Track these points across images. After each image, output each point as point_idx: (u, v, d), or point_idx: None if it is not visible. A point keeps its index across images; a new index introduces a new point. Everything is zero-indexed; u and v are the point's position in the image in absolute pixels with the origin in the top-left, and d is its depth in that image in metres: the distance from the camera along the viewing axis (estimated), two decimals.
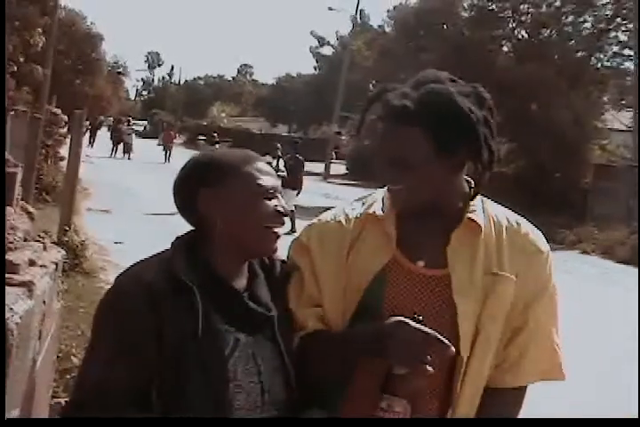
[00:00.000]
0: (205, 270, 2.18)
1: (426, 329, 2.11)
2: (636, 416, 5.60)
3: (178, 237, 2.27)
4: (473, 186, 2.38)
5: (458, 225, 2.30)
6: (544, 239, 2.40)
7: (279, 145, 19.69)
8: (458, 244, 2.29)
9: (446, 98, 2.21)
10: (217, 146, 22.68)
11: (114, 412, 2.03)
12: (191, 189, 2.25)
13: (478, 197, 2.38)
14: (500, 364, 2.30)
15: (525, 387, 2.36)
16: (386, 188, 2.40)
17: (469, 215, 2.31)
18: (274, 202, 2.24)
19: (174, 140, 46.74)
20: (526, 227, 2.39)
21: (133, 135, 44.47)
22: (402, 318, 2.14)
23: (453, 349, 2.11)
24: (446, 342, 2.09)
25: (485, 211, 2.36)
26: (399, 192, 2.28)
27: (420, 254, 2.31)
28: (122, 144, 43.32)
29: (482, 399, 2.30)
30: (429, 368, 2.09)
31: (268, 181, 2.25)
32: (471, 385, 2.26)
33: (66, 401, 2.24)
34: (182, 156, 48.71)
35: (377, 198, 2.44)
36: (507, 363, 2.30)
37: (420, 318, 2.14)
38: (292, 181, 17.89)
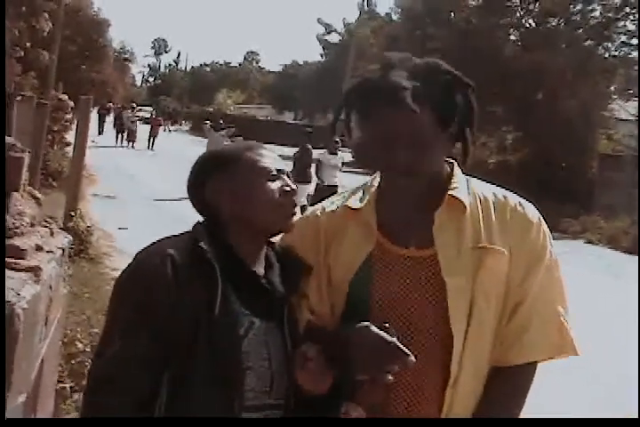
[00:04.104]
0: (227, 252, 2.21)
1: (387, 337, 2.11)
2: (636, 416, 5.60)
3: (198, 222, 2.31)
4: (453, 166, 2.40)
5: (440, 204, 2.30)
6: (534, 210, 2.37)
7: (338, 139, 16.96)
8: (442, 222, 2.28)
9: (439, 69, 2.25)
10: (222, 131, 22.61)
11: (132, 383, 2.06)
12: (199, 183, 2.31)
13: (463, 177, 2.40)
14: (502, 342, 2.28)
15: (533, 365, 2.32)
16: (376, 175, 2.42)
17: (451, 193, 2.30)
18: (278, 183, 2.27)
19: (160, 127, 44.60)
20: (514, 200, 2.37)
21: (137, 123, 43.09)
22: (366, 324, 2.16)
23: (413, 358, 2.09)
24: (407, 351, 2.09)
25: (471, 189, 2.36)
26: (407, 173, 2.23)
27: (406, 237, 2.31)
28: (126, 132, 41.90)
29: (487, 380, 2.28)
30: (389, 377, 2.10)
31: (271, 163, 2.30)
32: (469, 366, 2.23)
33: (75, 387, 2.25)
34: (187, 142, 48.56)
35: (357, 191, 2.47)
36: (509, 339, 2.27)
37: (387, 325, 2.15)
38: (302, 174, 16.48)
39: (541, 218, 2.37)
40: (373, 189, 2.42)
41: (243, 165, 2.28)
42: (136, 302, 2.12)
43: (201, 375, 2.09)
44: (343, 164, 17.31)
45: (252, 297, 2.21)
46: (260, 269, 2.29)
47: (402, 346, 2.09)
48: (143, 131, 42.09)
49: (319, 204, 2.53)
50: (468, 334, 2.24)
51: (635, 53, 32.31)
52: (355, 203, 2.40)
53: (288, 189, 2.28)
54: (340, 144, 17.09)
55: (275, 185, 2.26)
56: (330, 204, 2.48)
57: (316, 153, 17.85)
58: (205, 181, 2.30)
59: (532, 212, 2.36)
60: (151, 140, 41.81)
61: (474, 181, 2.42)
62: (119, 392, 2.07)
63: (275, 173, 2.28)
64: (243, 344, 2.15)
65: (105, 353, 2.12)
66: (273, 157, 2.34)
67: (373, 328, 2.14)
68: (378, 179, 2.43)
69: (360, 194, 2.44)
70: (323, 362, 2.19)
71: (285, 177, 2.30)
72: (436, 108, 2.18)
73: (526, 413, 2.33)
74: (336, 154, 17.16)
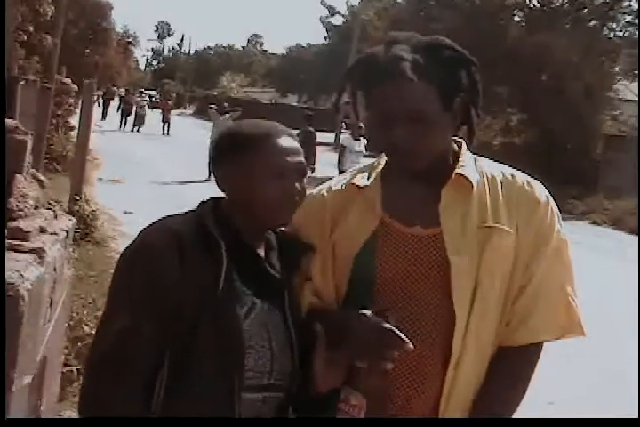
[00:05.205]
0: (231, 232, 2.20)
1: (385, 325, 2.10)
2: (636, 416, 5.60)
3: (204, 201, 2.30)
4: (461, 146, 2.39)
5: (447, 182, 2.29)
6: (542, 190, 2.36)
7: (362, 125, 15.92)
8: (449, 201, 2.27)
9: (442, 45, 2.24)
10: (227, 115, 22.51)
11: (136, 360, 2.07)
12: (216, 160, 2.30)
13: (470, 155, 2.38)
14: (509, 322, 2.27)
15: (539, 346, 2.32)
16: (382, 155, 2.41)
17: (458, 171, 2.29)
18: (286, 182, 2.21)
19: (171, 111, 43.99)
20: (521, 179, 2.36)
21: (146, 107, 42.81)
22: (363, 312, 2.15)
23: (411, 345, 2.08)
24: (404, 338, 2.07)
25: (478, 167, 2.35)
26: (408, 151, 2.23)
27: (411, 216, 2.30)
28: (132, 116, 41.62)
29: (493, 360, 2.28)
30: (388, 364, 2.10)
31: (283, 159, 2.22)
32: (472, 347, 2.23)
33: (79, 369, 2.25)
34: (193, 125, 48.40)
35: (364, 169, 2.45)
36: (515, 320, 2.27)
37: (387, 312, 2.14)
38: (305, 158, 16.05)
39: (550, 197, 2.35)
40: (380, 168, 2.41)
41: (255, 157, 2.21)
42: (142, 279, 2.11)
43: (202, 354, 2.09)
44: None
45: (254, 278, 2.21)
46: (262, 251, 2.29)
47: (400, 333, 2.08)
48: (149, 115, 42.03)
49: (326, 182, 2.51)
50: (472, 314, 2.23)
51: None
52: (361, 181, 2.39)
53: (296, 189, 2.22)
54: (362, 129, 16.50)
55: (282, 183, 2.20)
56: (336, 182, 2.47)
57: (323, 136, 17.64)
58: (219, 160, 2.28)
59: (539, 191, 2.35)
60: (165, 125, 41.55)
61: (482, 160, 2.41)
62: (123, 370, 2.07)
63: (283, 169, 2.20)
64: (244, 324, 2.15)
65: (110, 329, 2.11)
66: (292, 147, 2.26)
67: (370, 316, 2.13)
68: (385, 158, 2.41)
69: (367, 172, 2.42)
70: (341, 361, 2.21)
71: (296, 175, 2.23)
72: (438, 83, 2.17)
73: (526, 396, 2.33)
74: (359, 139, 16.78)
